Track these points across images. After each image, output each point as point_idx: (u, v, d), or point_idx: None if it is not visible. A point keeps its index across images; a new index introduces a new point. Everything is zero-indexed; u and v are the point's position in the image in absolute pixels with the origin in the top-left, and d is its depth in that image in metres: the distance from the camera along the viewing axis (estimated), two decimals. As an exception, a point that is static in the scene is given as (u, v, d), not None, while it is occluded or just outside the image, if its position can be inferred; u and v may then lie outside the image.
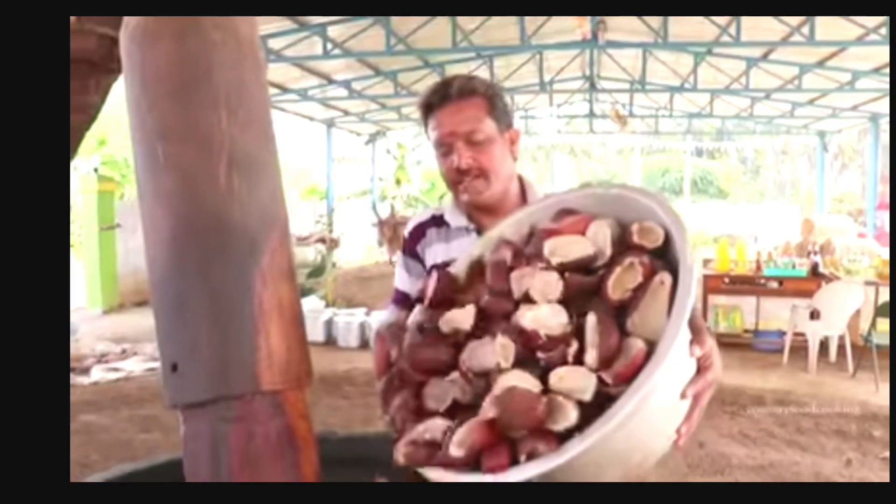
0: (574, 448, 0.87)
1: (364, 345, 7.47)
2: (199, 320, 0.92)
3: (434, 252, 1.62)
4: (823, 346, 6.84)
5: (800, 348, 6.82)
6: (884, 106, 12.46)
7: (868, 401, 5.55)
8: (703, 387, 1.03)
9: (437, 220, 1.67)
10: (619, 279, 0.98)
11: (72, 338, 6.98)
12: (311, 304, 7.90)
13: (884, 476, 4.09)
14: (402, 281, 1.66)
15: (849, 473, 4.17)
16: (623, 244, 1.04)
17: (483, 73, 12.91)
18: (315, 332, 7.28)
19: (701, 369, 1.03)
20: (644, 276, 0.97)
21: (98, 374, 6.17)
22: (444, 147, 1.52)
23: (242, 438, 0.93)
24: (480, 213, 1.58)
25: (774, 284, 7.37)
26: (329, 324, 7.66)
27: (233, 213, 0.96)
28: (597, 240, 1.05)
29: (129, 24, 1.02)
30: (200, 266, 0.94)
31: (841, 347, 6.78)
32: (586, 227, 1.07)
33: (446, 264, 1.38)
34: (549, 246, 1.04)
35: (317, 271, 9.69)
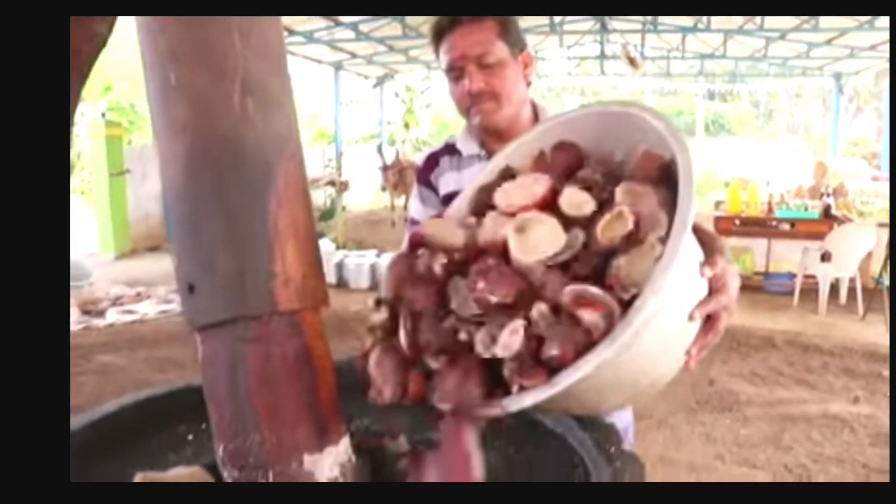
0: (567, 379, 0.86)
1: (374, 286, 7.52)
2: (214, 241, 0.92)
3: (446, 181, 1.61)
4: (834, 288, 6.85)
5: (810, 290, 6.83)
6: (903, 45, 12.17)
7: (878, 342, 5.58)
8: (716, 308, 0.99)
9: (450, 149, 1.65)
10: (608, 225, 0.94)
11: (86, 282, 7.05)
12: (322, 247, 7.91)
13: (889, 415, 4.14)
14: (417, 210, 1.66)
15: (856, 411, 4.22)
16: (615, 176, 1.00)
17: (493, 14, 12.67)
18: (326, 274, 7.29)
19: (713, 291, 0.99)
20: (634, 225, 0.92)
21: (113, 316, 6.26)
22: (456, 71, 1.50)
23: (260, 359, 0.93)
24: (492, 139, 1.56)
25: (786, 226, 7.33)
26: (340, 266, 7.73)
27: (247, 137, 0.95)
28: (571, 203, 0.99)
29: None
30: (215, 188, 0.93)
31: (851, 290, 6.78)
32: (558, 192, 1.01)
33: (457, 193, 1.38)
34: (515, 225, 0.98)
35: (327, 214, 9.72)
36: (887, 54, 13.28)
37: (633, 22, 14.00)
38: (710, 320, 1.00)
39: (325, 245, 8.23)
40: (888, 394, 4.47)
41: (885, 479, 3.34)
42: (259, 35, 0.99)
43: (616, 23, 14.53)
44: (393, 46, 14.17)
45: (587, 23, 14.59)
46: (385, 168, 11.69)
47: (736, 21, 12.45)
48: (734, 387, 4.59)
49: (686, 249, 0.90)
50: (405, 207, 11.46)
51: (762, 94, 26.42)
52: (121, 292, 6.99)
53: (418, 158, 12.41)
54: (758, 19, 11.61)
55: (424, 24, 12.48)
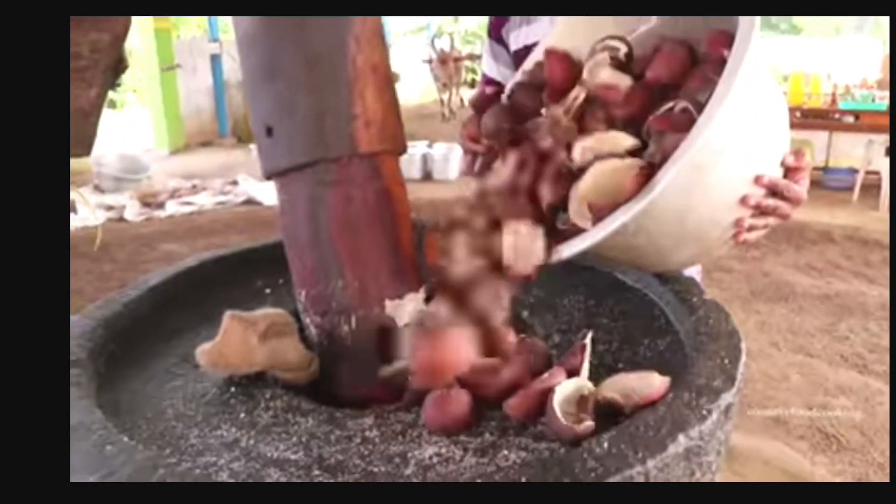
0: (616, 220, 0.85)
1: (426, 176, 7.55)
2: (292, 83, 0.91)
3: (517, 36, 1.56)
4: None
5: (872, 187, 6.60)
6: None
7: (941, 237, 5.43)
8: (785, 188, 0.98)
9: None
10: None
11: (144, 175, 7.20)
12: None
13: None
14: (489, 67, 1.62)
15: (915, 305, 4.15)
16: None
17: None
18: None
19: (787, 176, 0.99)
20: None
21: (172, 207, 6.41)
22: None
23: (341, 202, 0.93)
24: None
25: (850, 119, 7.05)
26: (392, 156, 7.77)
27: None
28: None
29: None
30: (291, 27, 0.91)
31: (917, 187, 6.56)
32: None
33: (527, 48, 1.35)
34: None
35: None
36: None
37: None
38: (777, 203, 0.99)
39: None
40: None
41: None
42: None
43: None
44: (442, -66, 13.67)
45: None
46: (437, 59, 11.40)
47: None
48: (789, 278, 4.54)
49: (748, 86, 0.87)
50: (449, 101, 11.28)
51: (828, -18, 24.94)
52: (178, 185, 7.12)
53: (469, 52, 12.00)
54: None
55: None
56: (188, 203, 6.52)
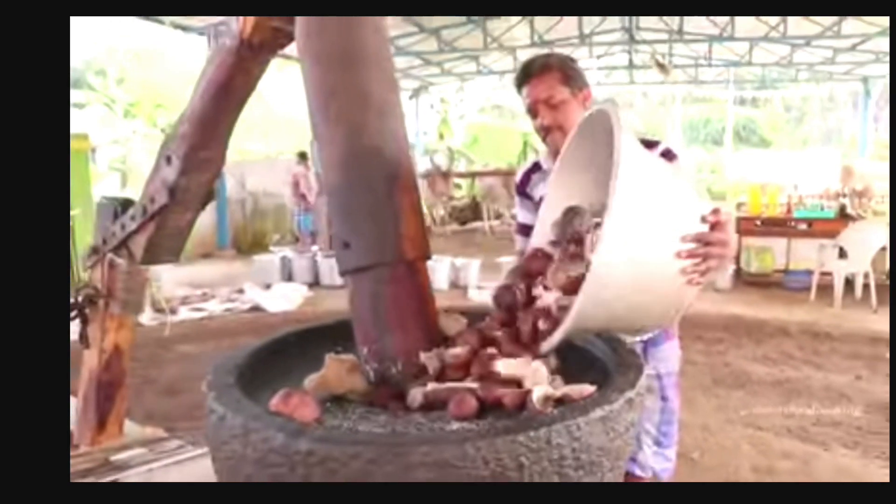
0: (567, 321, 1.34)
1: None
2: (363, 216, 1.43)
3: (537, 191, 2.17)
4: (850, 283, 7.26)
5: (827, 286, 7.22)
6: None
7: (885, 330, 5.96)
8: (709, 238, 1.28)
9: (537, 166, 2.23)
10: None
11: (156, 284, 7.73)
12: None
13: (887, 390, 4.61)
14: (522, 215, 2.24)
15: (857, 386, 4.68)
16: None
17: (524, 28, 13.24)
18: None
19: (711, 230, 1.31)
20: None
21: (184, 313, 6.91)
22: (533, 111, 2.06)
23: (392, 292, 1.44)
24: None
25: (804, 226, 7.80)
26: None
27: (380, 144, 1.44)
28: None
29: (301, 21, 1.54)
30: (363, 182, 1.44)
31: (866, 286, 7.19)
32: None
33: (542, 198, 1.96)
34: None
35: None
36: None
37: (660, 31, 14.47)
38: (706, 248, 1.30)
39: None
40: (888, 372, 4.92)
41: (877, 440, 3.83)
42: (384, 65, 1.50)
43: (643, 32, 15.00)
44: (429, 60, 14.77)
45: (615, 34, 15.09)
46: (430, 175, 12.18)
47: (761, 29, 12.87)
48: (748, 368, 5.09)
49: (637, 166, 1.26)
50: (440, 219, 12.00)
51: (795, 99, 26.57)
52: (187, 293, 7.66)
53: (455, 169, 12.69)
54: (781, 27, 12.02)
55: (458, 39, 13.08)
56: (198, 309, 7.05)
